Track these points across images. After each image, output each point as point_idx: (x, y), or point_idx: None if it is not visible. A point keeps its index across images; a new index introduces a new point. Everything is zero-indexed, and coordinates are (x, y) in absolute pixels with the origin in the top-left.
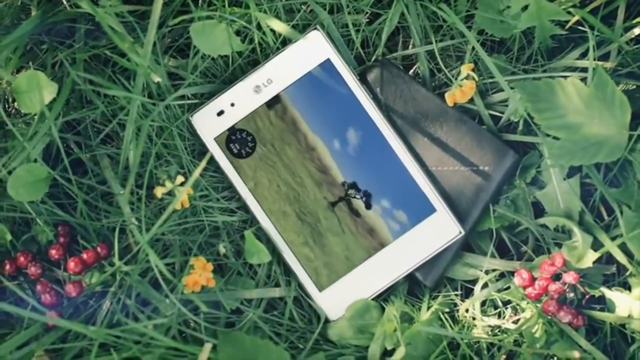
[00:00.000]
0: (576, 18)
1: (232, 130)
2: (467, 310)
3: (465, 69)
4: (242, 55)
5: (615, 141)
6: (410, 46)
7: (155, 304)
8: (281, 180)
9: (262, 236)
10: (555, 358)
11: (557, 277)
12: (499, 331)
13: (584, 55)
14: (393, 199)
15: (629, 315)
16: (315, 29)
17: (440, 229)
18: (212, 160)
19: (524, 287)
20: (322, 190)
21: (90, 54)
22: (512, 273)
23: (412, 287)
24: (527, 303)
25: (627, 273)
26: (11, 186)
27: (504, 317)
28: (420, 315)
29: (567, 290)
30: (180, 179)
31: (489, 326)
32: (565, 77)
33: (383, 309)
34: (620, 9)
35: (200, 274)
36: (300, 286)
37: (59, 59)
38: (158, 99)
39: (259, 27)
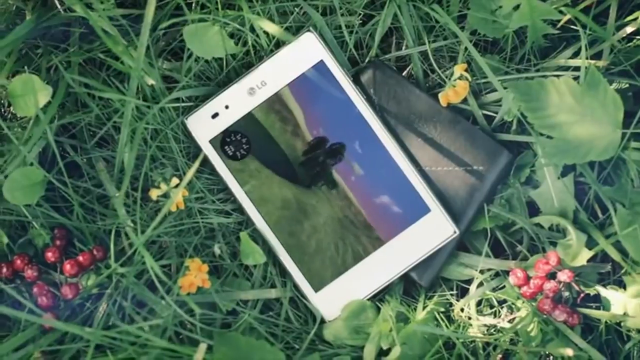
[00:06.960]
0: (568, 17)
1: (227, 133)
2: (462, 310)
3: (459, 69)
4: (236, 57)
5: (608, 140)
6: (404, 47)
7: (151, 306)
8: (276, 181)
9: (258, 237)
10: (551, 357)
11: (552, 275)
12: (494, 330)
13: (576, 54)
14: (387, 199)
15: (624, 313)
16: (309, 30)
17: (435, 229)
18: (207, 163)
19: (519, 286)
20: (317, 190)
21: (85, 57)
22: (507, 272)
23: (407, 287)
24: (523, 302)
25: (622, 271)
26: (7, 189)
27: (499, 317)
28: (416, 315)
29: (562, 288)
30: (175, 181)
31: (485, 325)
32: (558, 76)
33: (379, 309)
34: (612, 7)
35: (195, 275)
36: (295, 287)
37: (53, 63)
38: (152, 101)
39: (252, 29)
